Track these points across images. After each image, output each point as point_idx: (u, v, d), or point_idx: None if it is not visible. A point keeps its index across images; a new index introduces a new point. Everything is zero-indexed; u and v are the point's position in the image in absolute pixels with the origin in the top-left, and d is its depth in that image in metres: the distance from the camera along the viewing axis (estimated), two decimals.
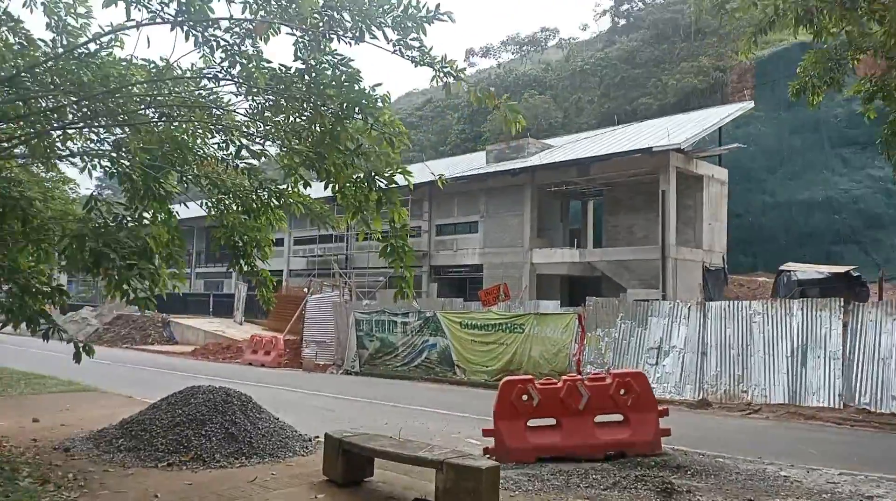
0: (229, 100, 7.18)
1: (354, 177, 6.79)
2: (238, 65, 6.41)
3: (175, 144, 7.14)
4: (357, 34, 5.87)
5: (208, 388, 8.07)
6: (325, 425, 9.82)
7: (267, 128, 7.35)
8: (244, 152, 7.77)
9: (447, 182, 6.93)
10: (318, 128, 6.54)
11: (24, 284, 6.27)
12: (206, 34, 6.19)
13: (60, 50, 6.78)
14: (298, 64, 6.20)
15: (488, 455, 7.89)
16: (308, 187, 7.61)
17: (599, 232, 32.15)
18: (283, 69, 6.14)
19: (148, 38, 5.96)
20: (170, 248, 7.89)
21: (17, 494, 5.51)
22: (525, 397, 8.00)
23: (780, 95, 36.91)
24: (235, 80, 6.42)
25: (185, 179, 8.11)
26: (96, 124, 7.17)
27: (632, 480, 6.64)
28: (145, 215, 7.70)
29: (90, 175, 7.47)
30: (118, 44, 7.12)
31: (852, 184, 33.70)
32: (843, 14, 9.07)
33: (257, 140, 7.65)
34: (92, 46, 6.80)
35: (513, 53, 75.61)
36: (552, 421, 8.07)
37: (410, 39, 5.60)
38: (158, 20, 5.96)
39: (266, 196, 8.31)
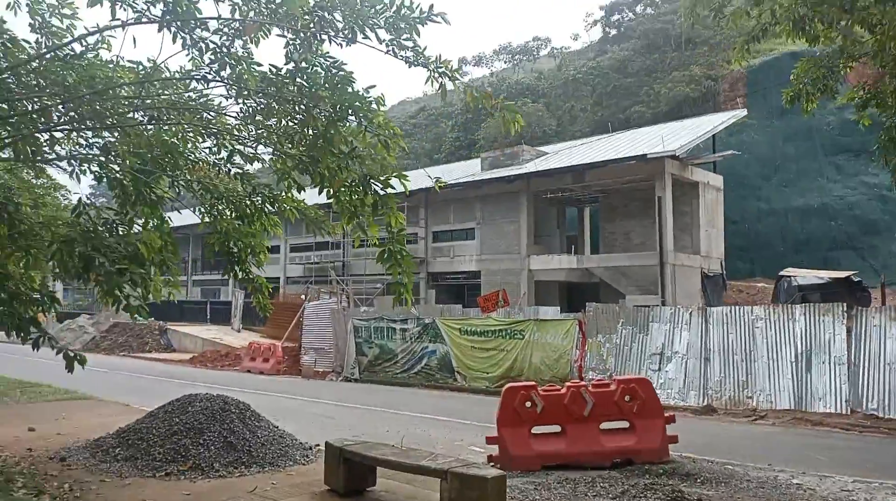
0: (219, 103, 7.03)
1: (349, 181, 6.62)
2: (228, 67, 6.28)
3: (165, 147, 6.97)
4: (349, 35, 5.74)
5: (206, 396, 7.88)
6: (326, 433, 9.64)
7: (259, 131, 7.20)
8: (236, 157, 7.61)
9: (444, 184, 6.78)
10: (310, 131, 6.39)
11: (13, 291, 6.09)
12: (193, 35, 6.04)
13: (45, 51, 6.63)
14: (290, 66, 6.06)
15: (492, 463, 7.71)
16: (302, 192, 7.44)
17: (596, 239, 32.09)
18: (275, 70, 5.99)
19: (134, 39, 5.82)
20: (163, 254, 7.71)
21: None
22: (528, 403, 7.83)
23: (773, 103, 37.15)
24: (225, 82, 6.27)
25: (176, 184, 7.95)
26: (84, 127, 6.99)
27: (641, 489, 6.46)
28: (136, 220, 7.54)
29: (78, 180, 7.28)
30: (105, 45, 6.97)
31: (847, 191, 33.81)
32: (842, 16, 9.02)
33: (249, 144, 7.49)
34: (77, 48, 6.65)
35: (505, 62, 75.86)
36: (556, 428, 7.90)
37: (404, 40, 5.47)
38: (144, 20, 5.81)
39: (260, 201, 8.13)
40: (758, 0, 9.79)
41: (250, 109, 6.80)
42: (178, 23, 5.89)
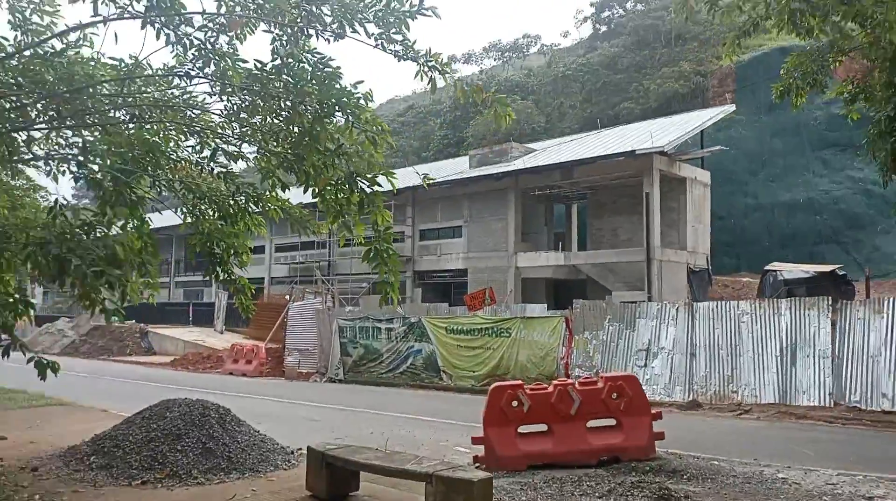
0: (203, 99, 6.89)
1: (335, 179, 6.51)
2: (212, 63, 6.14)
3: (146, 146, 6.82)
4: (338, 30, 5.62)
5: (185, 401, 7.73)
6: (309, 435, 9.51)
7: (244, 129, 7.07)
8: (220, 155, 7.47)
9: (431, 180, 6.67)
10: (296, 128, 6.27)
11: None
12: (178, 32, 5.91)
13: (24, 48, 6.45)
14: (276, 62, 5.93)
15: (478, 464, 7.65)
16: (286, 191, 7.31)
17: (584, 235, 32.11)
18: (260, 66, 5.86)
19: (116, 35, 5.66)
20: (142, 256, 7.56)
21: None
22: (515, 403, 7.77)
23: (761, 98, 37.36)
24: (209, 79, 6.12)
25: (157, 183, 7.79)
26: (63, 126, 6.83)
27: (627, 487, 6.41)
28: (115, 221, 7.38)
29: (56, 180, 7.12)
30: (87, 43, 6.80)
31: (833, 185, 34.05)
32: (839, 7, 9.00)
33: (233, 142, 7.36)
34: (58, 45, 6.48)
35: (495, 60, 75.84)
36: (543, 427, 7.84)
37: (393, 33, 5.36)
38: (126, 16, 5.66)
39: (243, 201, 8.01)
40: None
41: (235, 106, 6.67)
42: (162, 18, 5.75)
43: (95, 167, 7.12)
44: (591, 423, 7.91)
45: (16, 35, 6.65)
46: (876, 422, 10.65)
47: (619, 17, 58.10)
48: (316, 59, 5.87)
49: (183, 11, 5.80)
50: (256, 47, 6.63)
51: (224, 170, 7.67)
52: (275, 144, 6.84)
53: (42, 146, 7.54)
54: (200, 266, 8.61)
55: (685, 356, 13.41)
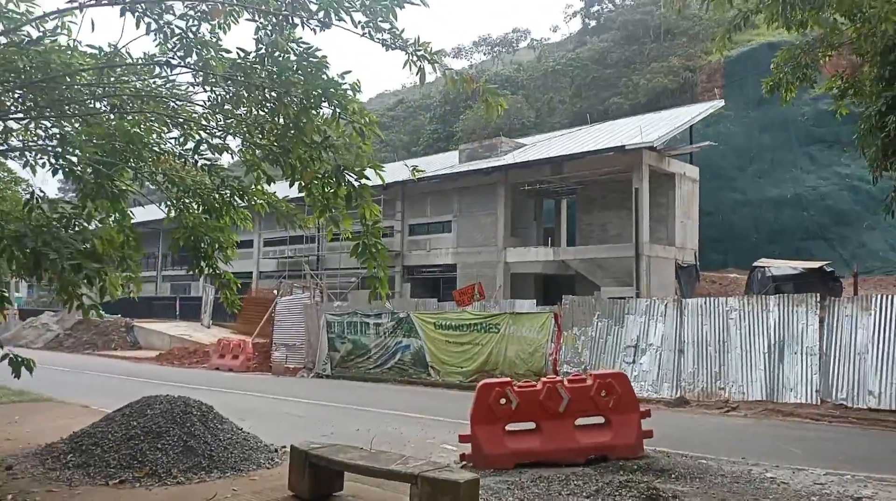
0: (186, 89, 6.71)
1: (322, 172, 6.36)
2: (194, 53, 5.97)
3: (127, 138, 6.64)
4: (324, 19, 5.47)
5: (166, 398, 7.57)
6: (294, 432, 9.39)
7: (228, 121, 6.90)
8: (204, 147, 7.29)
9: (421, 172, 6.54)
10: (281, 119, 6.11)
11: None
12: (159, 20, 5.73)
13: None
14: (260, 51, 5.77)
15: (465, 462, 7.57)
16: (272, 184, 7.15)
17: (573, 230, 32.08)
18: (243, 55, 5.69)
19: (92, 22, 5.47)
20: (123, 250, 7.39)
21: None
22: (503, 400, 7.68)
23: (749, 94, 37.47)
24: (191, 68, 5.95)
25: (139, 176, 7.61)
26: (40, 116, 6.62)
27: (616, 486, 6.34)
28: (95, 215, 7.19)
29: (33, 172, 6.93)
30: (64, 31, 6.60)
31: (820, 181, 34.23)
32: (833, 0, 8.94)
33: (217, 134, 7.19)
34: (34, 33, 6.28)
35: (484, 54, 75.65)
36: (531, 425, 7.76)
37: (380, 21, 5.21)
38: (105, 2, 5.48)
39: (228, 194, 7.84)
40: None
41: (219, 97, 6.50)
42: (142, 5, 5.57)
43: (74, 159, 6.95)
44: (580, 421, 7.84)
45: None
46: (862, 420, 10.67)
47: (608, 12, 58.06)
48: (302, 49, 5.72)
49: None
50: (240, 38, 6.43)
51: (209, 163, 7.51)
52: (260, 136, 6.69)
53: (19, 137, 7.33)
54: (185, 260, 8.44)
55: (673, 352, 13.39)
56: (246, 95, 6.12)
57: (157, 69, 6.49)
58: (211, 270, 8.20)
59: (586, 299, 15.88)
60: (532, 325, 15.57)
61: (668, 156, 26.67)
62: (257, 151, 6.82)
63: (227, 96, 6.37)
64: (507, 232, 28.54)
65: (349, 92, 5.67)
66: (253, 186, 7.67)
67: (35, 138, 7.31)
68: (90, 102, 6.74)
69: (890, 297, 11.68)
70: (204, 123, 7.09)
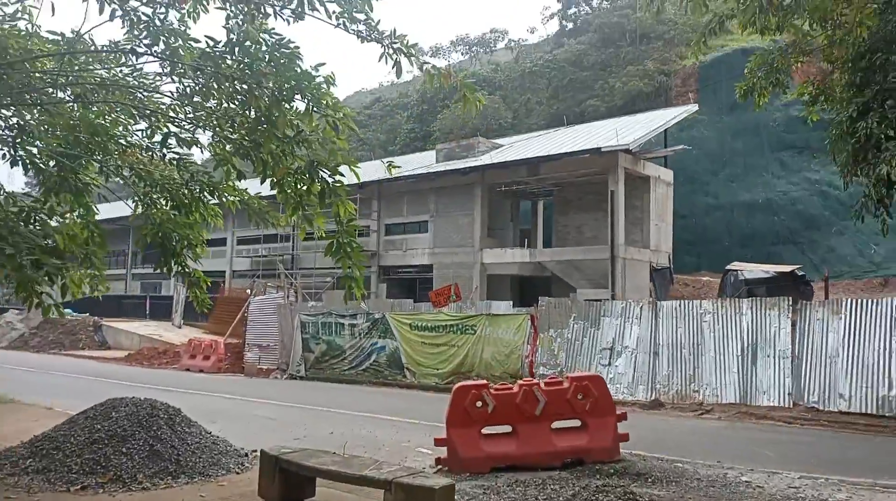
0: (154, 79, 6.48)
1: (294, 168, 6.18)
2: (161, 41, 5.75)
3: (90, 129, 6.38)
4: (298, 9, 5.30)
5: (132, 400, 7.31)
6: (266, 435, 9.17)
7: (197, 114, 6.68)
8: (172, 140, 7.06)
9: (397, 166, 6.39)
10: (252, 112, 5.92)
11: None
12: (124, 6, 5.50)
13: None
14: (232, 38, 5.57)
15: (440, 466, 7.45)
16: (242, 179, 6.93)
17: (549, 232, 32.16)
18: (212, 43, 5.49)
19: (53, 6, 5.22)
20: (87, 247, 7.12)
21: None
22: (479, 403, 7.57)
23: (722, 99, 37.96)
24: (158, 56, 5.73)
25: (105, 170, 7.34)
26: None
27: (592, 491, 6.26)
28: (57, 209, 6.92)
29: None
30: (25, 16, 6.33)
31: (790, 186, 34.79)
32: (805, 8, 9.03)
33: (186, 127, 6.96)
34: None
35: (462, 54, 75.65)
36: (507, 429, 7.66)
37: (355, 12, 5.06)
38: None
39: (198, 190, 7.61)
40: None
41: (188, 89, 6.28)
42: None
43: (35, 150, 6.67)
44: (556, 424, 7.77)
45: None
46: (833, 423, 10.77)
47: (585, 15, 58.42)
48: (274, 40, 5.54)
49: None
50: (211, 29, 6.21)
51: (177, 156, 7.28)
52: (230, 130, 6.48)
53: None
54: (155, 258, 8.17)
55: (648, 355, 13.42)
56: (216, 86, 5.92)
57: (123, 58, 6.26)
58: (180, 268, 7.97)
59: (562, 301, 15.86)
60: (508, 327, 15.51)
61: (643, 159, 26.87)
62: (228, 146, 6.62)
63: (197, 88, 6.16)
64: (483, 233, 28.50)
65: (323, 85, 5.51)
66: (224, 182, 7.46)
67: None
68: (52, 92, 6.47)
69: (860, 301, 11.85)
70: (172, 114, 6.86)
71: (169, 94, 6.50)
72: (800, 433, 10.35)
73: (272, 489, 5.65)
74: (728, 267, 22.79)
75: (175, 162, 7.39)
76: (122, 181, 7.93)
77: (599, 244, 26.12)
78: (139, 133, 7.45)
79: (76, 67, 6.20)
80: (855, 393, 11.10)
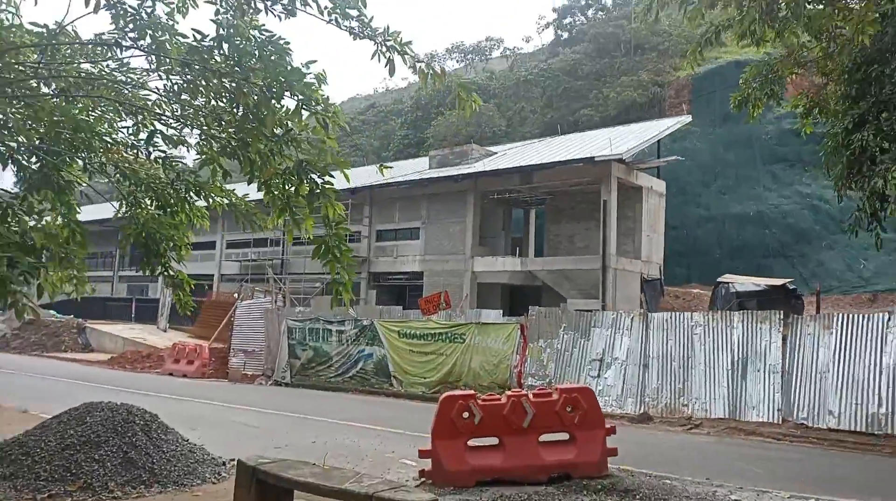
0: (141, 75, 6.30)
1: (283, 168, 6.01)
2: (147, 36, 5.59)
3: (73, 123, 6.18)
4: (289, 5, 5.16)
5: (107, 405, 7.10)
6: (246, 443, 8.96)
7: (185, 111, 6.50)
8: (157, 138, 6.87)
9: (389, 167, 6.23)
10: (240, 110, 5.75)
11: None
12: None
13: None
14: (220, 33, 5.41)
15: (424, 479, 7.26)
16: (228, 178, 6.75)
17: (541, 241, 32.07)
18: (199, 37, 5.31)
19: None
20: (68, 246, 6.91)
21: None
22: (466, 414, 7.39)
23: (715, 110, 38.12)
24: (143, 50, 5.56)
25: (89, 167, 7.15)
26: None
27: None
28: (38, 206, 6.72)
29: None
30: (11, 8, 6.14)
31: (782, 199, 34.89)
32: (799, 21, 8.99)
33: (173, 125, 6.78)
34: None
35: (457, 61, 75.84)
36: (494, 441, 7.49)
37: (348, 8, 4.92)
38: None
39: (184, 190, 7.42)
40: (712, 2, 9.68)
41: (175, 86, 6.11)
42: None
43: (14, 145, 6.47)
44: (544, 437, 7.60)
45: None
46: (822, 440, 10.64)
47: (580, 25, 58.64)
48: (264, 37, 5.38)
49: None
50: (199, 25, 6.06)
51: (163, 155, 7.10)
52: (218, 128, 6.31)
53: None
54: (139, 260, 7.98)
55: (638, 367, 13.28)
56: (204, 83, 5.75)
57: (109, 52, 6.08)
58: (163, 269, 7.78)
59: (553, 311, 15.72)
60: (498, 336, 15.34)
61: (636, 169, 26.88)
62: (215, 145, 6.44)
63: (184, 85, 5.99)
64: (475, 241, 28.37)
65: (314, 83, 5.35)
66: (210, 182, 7.28)
67: None
68: (36, 85, 6.28)
69: (851, 317, 11.75)
70: (158, 111, 6.68)
71: (155, 90, 6.33)
72: (788, 450, 10.23)
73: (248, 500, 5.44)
74: (719, 279, 22.76)
75: (161, 161, 7.22)
76: (106, 180, 7.74)
77: (591, 254, 26.05)
78: (124, 130, 7.27)
79: (59, 60, 6.02)
80: (844, 410, 10.99)
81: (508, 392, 7.95)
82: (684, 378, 12.72)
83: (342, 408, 13.71)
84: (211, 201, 7.59)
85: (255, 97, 5.49)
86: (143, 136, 7.05)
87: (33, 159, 6.70)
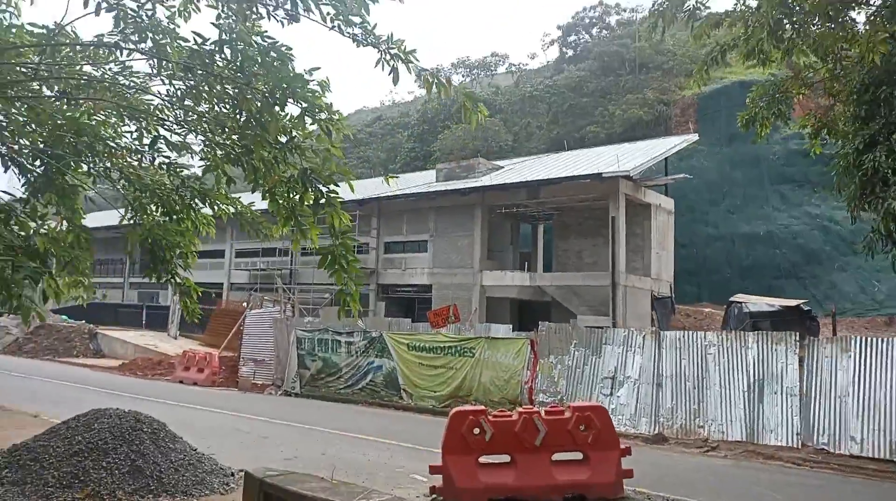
0: (144, 79, 6.24)
1: (287, 176, 5.92)
2: (149, 39, 5.53)
3: (75, 126, 6.11)
4: (292, 11, 5.10)
5: (116, 412, 7.00)
6: (255, 454, 8.83)
7: (188, 117, 6.42)
8: (161, 143, 6.79)
9: (395, 177, 6.13)
10: (243, 115, 5.67)
11: None
12: (110, 0, 5.29)
13: None
14: (222, 37, 5.36)
15: (435, 495, 7.09)
16: (231, 184, 6.66)
17: (549, 256, 31.91)
18: (200, 41, 5.25)
19: None
20: (72, 251, 6.82)
21: None
22: (477, 430, 7.20)
23: (722, 130, 38.09)
24: (144, 53, 5.50)
25: (93, 172, 7.08)
26: None
27: None
28: (45, 210, 6.65)
29: None
30: (12, 8, 6.11)
31: (791, 220, 34.67)
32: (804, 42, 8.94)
33: (177, 131, 6.71)
34: None
35: (463, 76, 76.03)
36: (506, 458, 7.32)
37: (351, 15, 4.86)
38: None
39: (189, 197, 7.33)
40: (717, 21, 9.65)
41: (179, 91, 6.05)
42: None
43: (16, 147, 6.40)
44: (557, 456, 7.42)
45: None
46: (844, 466, 10.28)
47: (585, 42, 58.85)
48: (267, 44, 5.32)
49: None
50: (202, 30, 6.02)
51: (167, 161, 7.03)
52: (221, 135, 6.23)
53: None
54: (145, 266, 7.89)
55: (651, 386, 13.04)
56: (207, 88, 5.67)
57: (112, 55, 6.02)
58: (170, 276, 7.68)
59: (563, 327, 15.53)
60: (508, 351, 15.16)
61: (644, 186, 26.74)
62: (218, 151, 6.37)
63: (187, 90, 5.93)
64: (483, 254, 28.24)
65: (317, 90, 5.28)
66: (215, 189, 7.21)
67: None
68: (38, 87, 6.22)
69: (870, 340, 11.47)
70: (162, 116, 6.60)
71: (157, 94, 6.27)
72: (808, 476, 9.94)
73: None
74: (732, 299, 22.48)
75: (165, 167, 7.15)
76: (111, 185, 7.67)
77: (599, 270, 25.86)
78: (128, 135, 7.19)
79: (61, 61, 5.95)
80: (867, 436, 10.63)
81: (520, 409, 7.77)
82: (699, 399, 12.47)
83: (352, 420, 13.55)
84: (216, 208, 7.52)
85: (258, 103, 5.40)
86: (146, 141, 6.99)
87: (37, 163, 6.64)
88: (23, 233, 5.88)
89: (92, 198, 8.68)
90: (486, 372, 15.15)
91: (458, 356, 15.72)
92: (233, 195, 7.47)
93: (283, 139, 5.74)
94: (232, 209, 7.49)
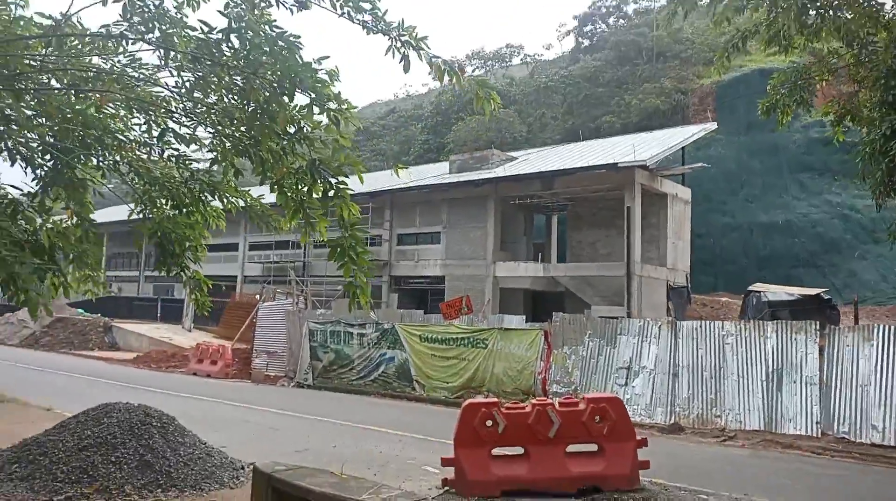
0: (153, 72, 6.15)
1: (295, 167, 5.80)
2: (157, 29, 5.43)
3: (85, 120, 6.03)
4: None
5: (125, 406, 6.97)
6: (267, 446, 8.79)
7: (197, 109, 6.32)
8: (170, 136, 6.71)
9: (405, 167, 6.00)
10: (250, 105, 5.55)
11: None
12: None
13: None
14: (228, 26, 5.23)
15: (447, 487, 6.99)
16: (239, 176, 6.56)
17: (563, 247, 31.67)
18: (206, 30, 5.13)
19: None
20: (81, 245, 6.77)
21: None
22: (490, 422, 7.08)
23: (740, 118, 37.48)
24: (152, 44, 5.40)
25: (101, 165, 7.02)
26: None
27: None
28: (55, 204, 6.61)
29: None
30: (21, 2, 6.03)
31: (811, 208, 34.10)
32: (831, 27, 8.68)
33: (186, 123, 6.62)
34: None
35: (477, 68, 75.64)
36: (519, 450, 7.19)
37: (361, 2, 4.72)
38: None
39: (198, 189, 7.25)
40: (739, 7, 9.38)
41: (187, 83, 5.95)
42: None
43: (23, 140, 6.35)
44: (571, 448, 7.28)
45: None
46: (865, 456, 10.11)
47: (601, 32, 58.20)
48: (275, 34, 5.19)
49: None
50: (210, 20, 5.90)
51: (176, 153, 6.95)
52: (230, 126, 6.13)
53: None
54: (158, 259, 7.84)
55: (667, 376, 12.86)
56: (215, 79, 5.56)
57: (117, 46, 5.93)
58: (179, 269, 7.62)
59: (577, 318, 15.36)
60: (521, 342, 15.03)
61: (660, 176, 26.40)
62: (227, 143, 6.27)
63: (195, 81, 5.82)
64: (496, 246, 28.07)
65: (326, 79, 5.14)
66: (224, 181, 7.12)
67: None
68: (47, 79, 6.15)
69: (893, 328, 11.26)
70: (170, 109, 6.51)
71: (165, 86, 6.17)
72: (829, 466, 9.76)
73: None
74: (750, 288, 22.13)
75: (174, 159, 7.07)
76: (120, 179, 7.62)
77: (614, 261, 25.61)
78: (137, 128, 7.12)
79: (68, 51, 5.87)
80: (889, 425, 10.44)
81: (533, 400, 7.63)
82: (716, 389, 12.29)
83: (364, 412, 13.51)
84: (226, 201, 7.44)
85: (266, 93, 5.29)
86: (155, 133, 6.91)
87: (47, 157, 6.58)
88: (30, 228, 5.82)
89: (104, 194, 8.65)
90: (500, 363, 15.03)
91: (470, 347, 15.61)
92: (242, 188, 7.40)
93: (292, 130, 5.63)
94: (241, 202, 7.42)
